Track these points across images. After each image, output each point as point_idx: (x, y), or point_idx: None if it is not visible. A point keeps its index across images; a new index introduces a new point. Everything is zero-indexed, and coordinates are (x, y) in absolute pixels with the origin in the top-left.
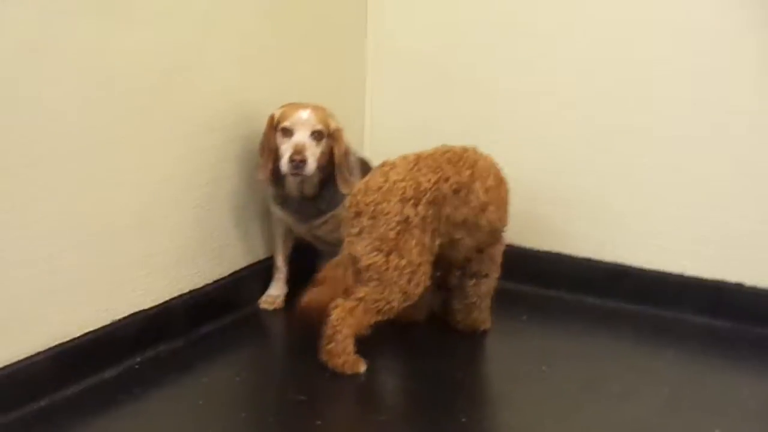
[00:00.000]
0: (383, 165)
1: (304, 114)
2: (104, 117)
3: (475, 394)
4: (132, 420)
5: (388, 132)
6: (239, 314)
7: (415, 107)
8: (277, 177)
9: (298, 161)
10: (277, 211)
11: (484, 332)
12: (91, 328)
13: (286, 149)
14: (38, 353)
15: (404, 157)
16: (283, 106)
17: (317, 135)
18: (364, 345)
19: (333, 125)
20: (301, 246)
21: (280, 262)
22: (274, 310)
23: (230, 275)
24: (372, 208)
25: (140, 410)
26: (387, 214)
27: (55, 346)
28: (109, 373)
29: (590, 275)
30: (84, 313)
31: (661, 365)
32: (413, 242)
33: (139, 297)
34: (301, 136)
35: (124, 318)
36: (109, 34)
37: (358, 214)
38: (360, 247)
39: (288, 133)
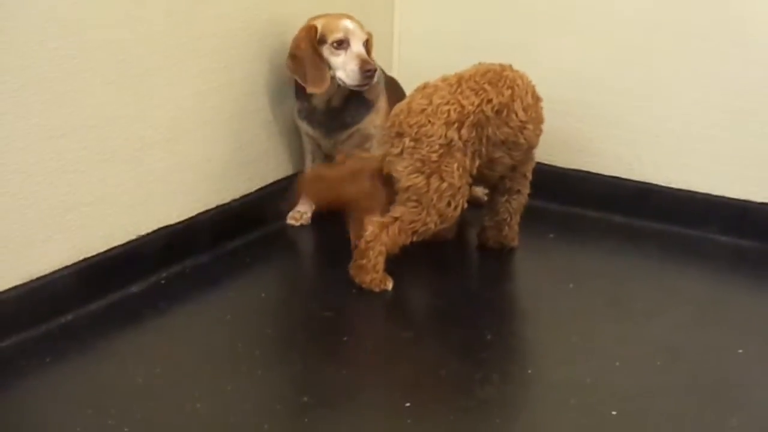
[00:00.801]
0: (425, 87)
1: (350, 24)
2: (134, 31)
3: (501, 311)
4: (158, 334)
5: (418, 45)
6: (266, 230)
7: (445, 19)
8: (302, 90)
9: (372, 71)
10: (303, 126)
11: (512, 250)
12: (117, 243)
13: (345, 61)
14: (64, 267)
15: (445, 79)
16: (318, 18)
17: (366, 44)
18: (391, 262)
19: (367, 32)
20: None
21: None
22: (301, 226)
23: (257, 191)
24: (415, 130)
25: (166, 325)
26: (430, 136)
27: (81, 261)
28: (134, 288)
29: (617, 194)
30: (110, 228)
31: (687, 284)
32: (455, 165)
33: (165, 212)
34: (359, 47)
35: (150, 233)
36: None
37: (399, 135)
38: (400, 168)
39: (343, 44)
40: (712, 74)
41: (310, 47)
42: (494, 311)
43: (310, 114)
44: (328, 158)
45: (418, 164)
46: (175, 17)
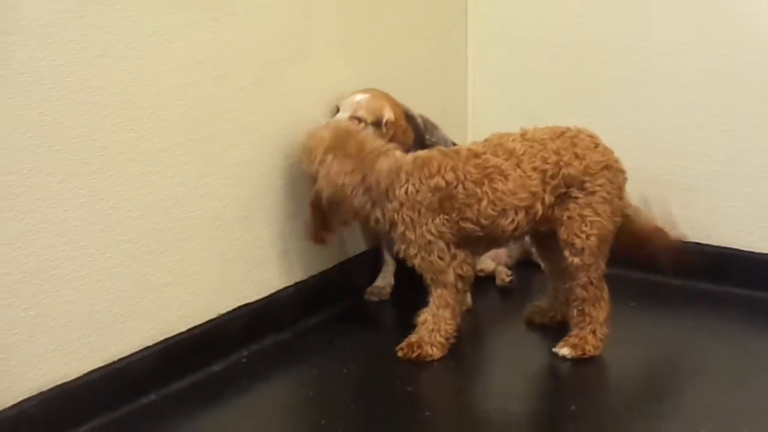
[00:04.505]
0: None
1: (358, 97)
2: (215, 106)
3: (584, 382)
4: (241, 413)
5: (491, 116)
6: (346, 305)
7: (518, 90)
8: None
9: None
10: None
11: None
12: (198, 322)
13: None
14: (146, 348)
15: None
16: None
17: (357, 120)
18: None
19: (387, 116)
20: None
21: (387, 255)
22: (380, 301)
23: (336, 266)
24: None
25: (248, 403)
26: None
27: (163, 341)
28: (216, 367)
29: (698, 260)
30: (190, 308)
31: None
32: None
33: (245, 290)
34: (341, 114)
35: (231, 311)
36: (211, 27)
37: None
38: None
39: (337, 111)
40: None
41: None
42: (577, 383)
43: None
44: None
45: None
46: (250, 94)
